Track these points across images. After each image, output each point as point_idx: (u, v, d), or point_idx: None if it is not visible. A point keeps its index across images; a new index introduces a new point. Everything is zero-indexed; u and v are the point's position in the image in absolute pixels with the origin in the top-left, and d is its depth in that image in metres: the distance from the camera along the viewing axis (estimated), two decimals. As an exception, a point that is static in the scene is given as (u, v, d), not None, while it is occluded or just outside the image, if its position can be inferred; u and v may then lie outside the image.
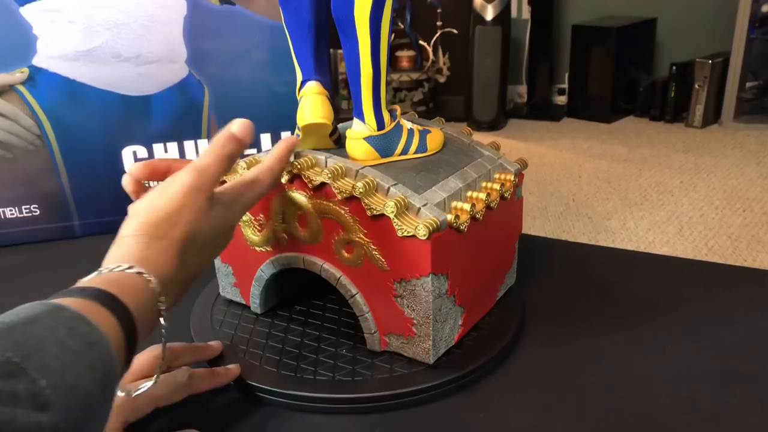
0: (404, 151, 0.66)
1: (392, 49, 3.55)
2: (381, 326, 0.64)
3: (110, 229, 1.03)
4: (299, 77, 0.65)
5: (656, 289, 0.78)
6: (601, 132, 3.22)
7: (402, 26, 3.45)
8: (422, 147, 0.67)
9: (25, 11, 0.86)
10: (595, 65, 3.36)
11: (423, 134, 0.68)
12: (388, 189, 0.60)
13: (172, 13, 0.91)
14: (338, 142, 0.70)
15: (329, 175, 0.60)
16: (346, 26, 0.59)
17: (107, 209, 0.98)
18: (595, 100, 3.38)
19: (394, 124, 0.65)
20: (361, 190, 0.58)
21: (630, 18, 3.36)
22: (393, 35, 3.41)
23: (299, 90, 0.65)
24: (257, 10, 0.94)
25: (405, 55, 3.57)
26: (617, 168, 2.70)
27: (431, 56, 3.54)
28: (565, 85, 3.59)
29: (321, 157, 0.63)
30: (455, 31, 3.45)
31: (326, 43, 0.66)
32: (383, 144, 0.64)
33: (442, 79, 3.56)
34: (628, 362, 0.64)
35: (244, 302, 0.74)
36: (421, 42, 3.50)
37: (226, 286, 0.75)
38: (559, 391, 0.60)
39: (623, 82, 3.35)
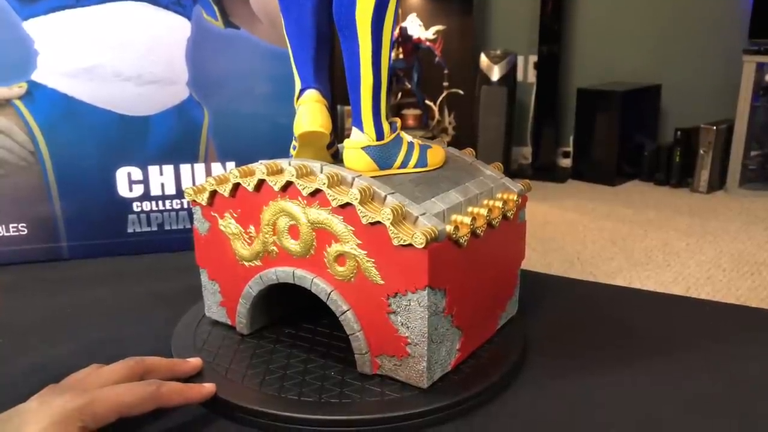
0: (403, 164, 0.63)
1: (398, 107, 3.60)
2: (373, 346, 0.59)
3: (99, 253, 0.99)
4: (298, 85, 0.63)
5: (666, 326, 0.74)
6: (605, 194, 3.21)
7: (409, 85, 3.50)
8: (422, 161, 0.65)
9: (28, 25, 0.86)
10: (600, 129, 3.38)
11: (423, 149, 0.65)
12: (385, 197, 0.57)
13: (176, 34, 0.91)
14: (336, 157, 0.67)
15: (324, 182, 0.57)
16: (347, 28, 0.58)
17: (97, 232, 0.95)
18: (599, 164, 3.38)
19: (393, 135, 0.63)
20: (357, 196, 0.55)
21: (635, 84, 3.41)
22: (397, 84, 3.46)
23: (297, 98, 0.63)
24: (262, 35, 0.93)
25: (411, 113, 3.61)
26: (622, 229, 2.67)
27: (437, 115, 3.57)
28: (570, 148, 3.60)
29: (316, 165, 0.60)
30: (461, 92, 3.49)
31: (327, 53, 0.64)
32: (382, 155, 0.62)
33: (447, 138, 3.58)
34: (636, 397, 0.60)
35: (230, 323, 0.70)
36: (427, 101, 3.54)
37: (212, 306, 0.71)
38: (562, 425, 0.56)
39: (628, 146, 3.36)
